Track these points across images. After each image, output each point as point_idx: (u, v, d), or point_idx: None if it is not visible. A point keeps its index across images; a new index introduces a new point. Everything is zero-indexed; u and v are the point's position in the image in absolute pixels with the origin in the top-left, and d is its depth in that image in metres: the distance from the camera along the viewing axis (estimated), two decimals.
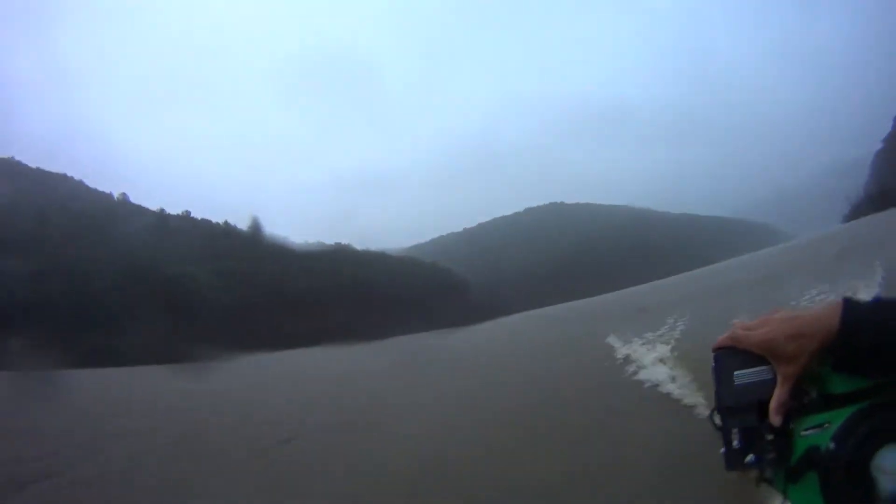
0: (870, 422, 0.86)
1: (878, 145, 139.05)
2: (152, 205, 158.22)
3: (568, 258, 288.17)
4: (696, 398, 10.37)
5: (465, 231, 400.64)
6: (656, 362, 14.80)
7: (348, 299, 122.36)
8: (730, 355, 0.99)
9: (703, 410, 9.73)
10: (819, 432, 0.90)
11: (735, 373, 0.99)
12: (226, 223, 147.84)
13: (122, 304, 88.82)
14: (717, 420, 0.92)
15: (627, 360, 17.19)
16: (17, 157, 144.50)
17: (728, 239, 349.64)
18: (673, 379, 12.48)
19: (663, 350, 16.35)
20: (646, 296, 57.59)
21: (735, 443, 0.99)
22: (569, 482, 8.62)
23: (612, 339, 22.31)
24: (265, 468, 12.18)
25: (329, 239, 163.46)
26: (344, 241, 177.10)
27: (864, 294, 14.32)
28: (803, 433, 0.93)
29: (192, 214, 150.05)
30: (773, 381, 0.95)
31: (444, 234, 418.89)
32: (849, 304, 0.92)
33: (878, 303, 0.92)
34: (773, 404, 0.94)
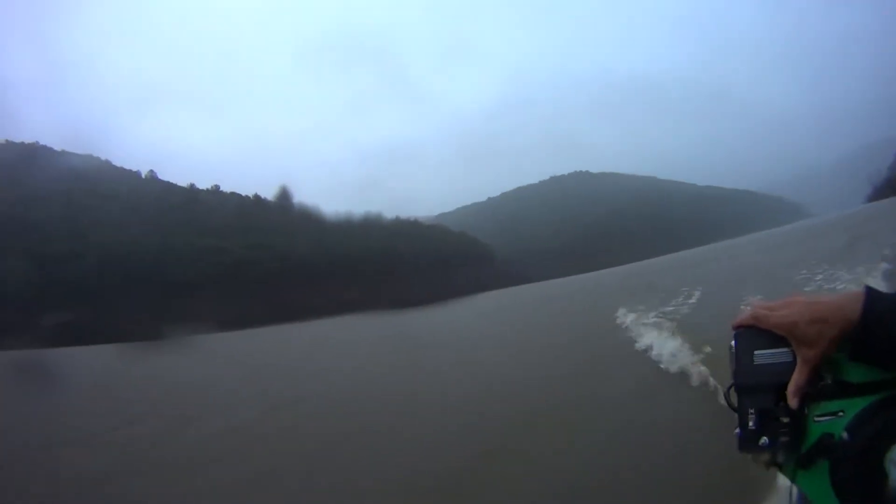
0: (885, 414, 0.83)
1: None
2: (182, 181, 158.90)
3: (593, 227, 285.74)
4: (699, 375, 10.59)
5: (490, 200, 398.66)
6: (660, 337, 14.92)
7: (378, 268, 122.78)
8: (751, 334, 0.96)
9: (697, 382, 10.32)
10: (833, 420, 0.88)
11: (755, 352, 0.96)
12: (255, 196, 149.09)
13: (152, 281, 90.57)
14: (734, 399, 0.92)
15: (633, 333, 17.48)
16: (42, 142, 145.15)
17: (753, 212, 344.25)
18: (676, 356, 12.56)
19: (669, 326, 16.31)
20: (660, 270, 57.30)
21: (751, 424, 0.94)
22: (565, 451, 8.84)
23: (622, 313, 22.52)
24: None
25: (358, 209, 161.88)
26: (373, 211, 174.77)
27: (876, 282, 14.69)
28: (816, 419, 0.89)
29: (221, 189, 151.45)
30: (793, 364, 0.92)
31: (468, 203, 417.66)
32: (871, 294, 0.89)
33: None
34: (791, 387, 0.92)
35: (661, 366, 12.76)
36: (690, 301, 22.22)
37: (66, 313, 68.62)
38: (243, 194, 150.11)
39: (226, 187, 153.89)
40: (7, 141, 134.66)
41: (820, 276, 18.84)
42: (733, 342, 0.93)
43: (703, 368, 10.72)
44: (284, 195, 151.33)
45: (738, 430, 0.90)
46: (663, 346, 14.01)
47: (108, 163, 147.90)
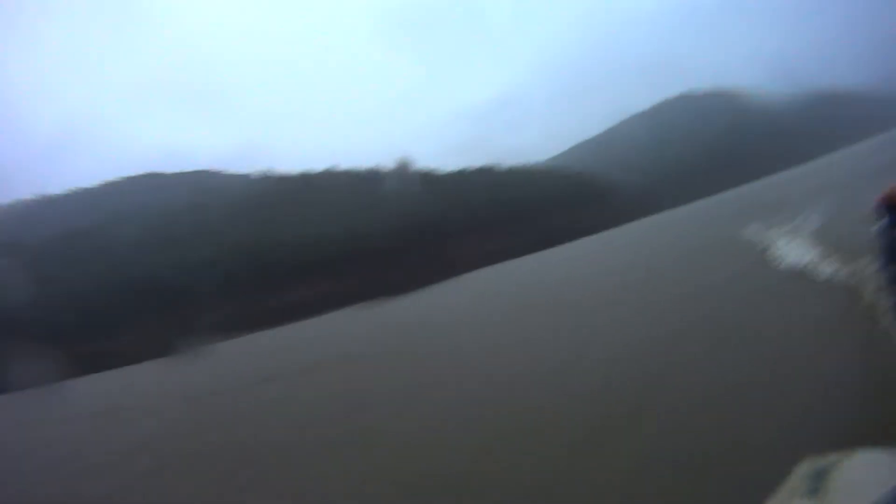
0: None
1: None
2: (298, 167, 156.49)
3: (707, 150, 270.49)
4: (842, 273, 10.50)
5: (599, 136, 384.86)
6: (798, 247, 14.57)
7: (504, 218, 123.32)
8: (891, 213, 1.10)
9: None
10: None
11: None
12: (368, 170, 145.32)
13: (277, 273, 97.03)
14: (886, 276, 1.07)
15: (768, 250, 16.80)
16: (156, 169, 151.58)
17: (873, 112, 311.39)
18: (818, 260, 12.28)
19: (803, 237, 15.93)
20: (784, 186, 53.89)
21: None
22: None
23: (751, 232, 21.75)
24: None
25: (476, 163, 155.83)
26: (489, 163, 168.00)
27: None
28: None
29: (335, 168, 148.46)
30: None
31: (580, 141, 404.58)
32: None
33: None
34: None
35: (797, 274, 12.56)
36: (819, 211, 20.83)
37: (217, 311, 76.82)
38: (357, 169, 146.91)
39: (344, 165, 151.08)
40: (128, 178, 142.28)
41: None
42: (887, 218, 0.93)
43: (842, 268, 10.68)
44: (404, 164, 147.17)
45: (892, 303, 0.92)
46: (801, 256, 13.76)
47: (218, 173, 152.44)
